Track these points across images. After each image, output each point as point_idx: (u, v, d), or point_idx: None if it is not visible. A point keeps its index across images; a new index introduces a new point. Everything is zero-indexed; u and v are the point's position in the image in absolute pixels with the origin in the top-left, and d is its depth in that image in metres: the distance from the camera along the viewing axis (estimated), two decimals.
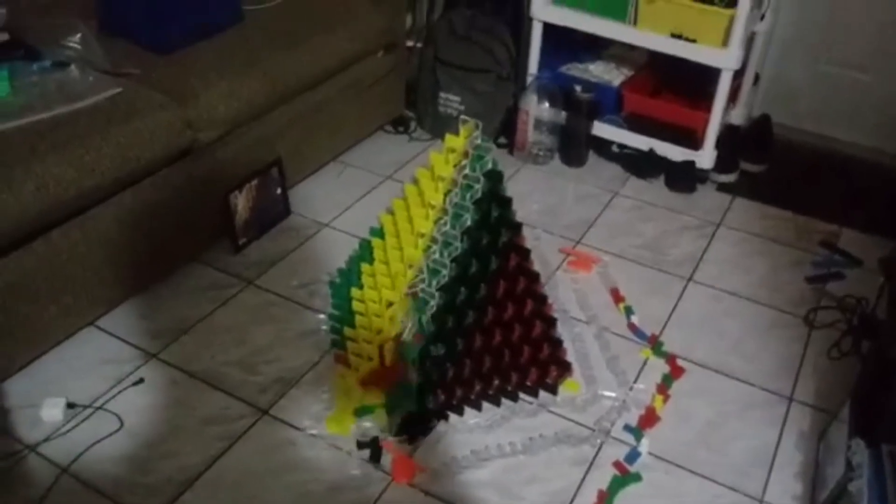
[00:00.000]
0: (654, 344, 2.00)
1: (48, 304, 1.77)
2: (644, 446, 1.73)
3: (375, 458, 1.66)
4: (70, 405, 1.73)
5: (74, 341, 1.89)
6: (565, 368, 1.88)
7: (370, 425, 1.73)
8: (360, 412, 1.75)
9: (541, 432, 1.75)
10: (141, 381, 1.80)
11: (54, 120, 1.78)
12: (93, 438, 1.67)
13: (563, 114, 2.65)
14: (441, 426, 1.75)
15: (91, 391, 1.77)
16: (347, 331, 1.87)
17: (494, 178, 1.74)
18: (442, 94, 2.76)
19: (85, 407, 1.73)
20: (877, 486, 1.44)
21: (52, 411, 1.71)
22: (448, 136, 1.82)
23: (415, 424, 1.71)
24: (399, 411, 1.73)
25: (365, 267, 1.90)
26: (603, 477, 1.67)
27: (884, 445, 1.50)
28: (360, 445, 1.69)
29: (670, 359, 1.96)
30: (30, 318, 1.74)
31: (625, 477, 1.67)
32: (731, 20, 2.30)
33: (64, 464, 1.62)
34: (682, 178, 2.59)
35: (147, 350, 1.89)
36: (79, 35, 2.01)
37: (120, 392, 1.78)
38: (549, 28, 2.62)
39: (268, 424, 1.73)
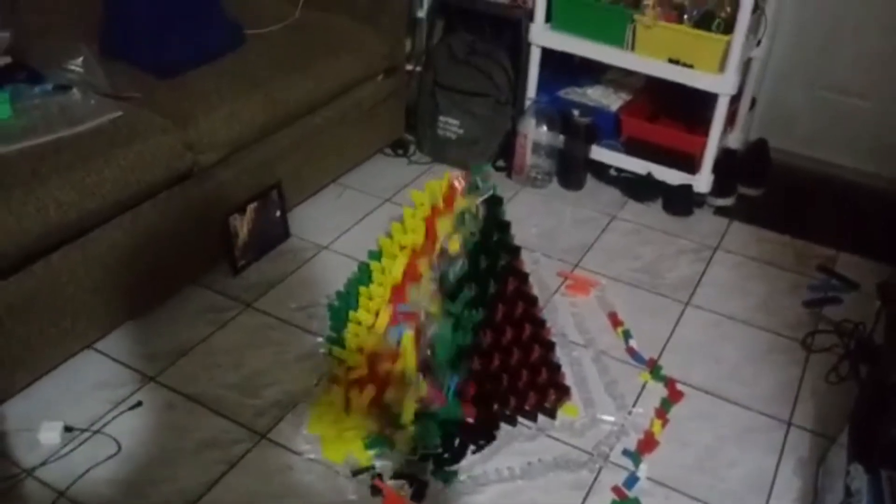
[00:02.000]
0: (653, 368, 2.00)
1: (47, 327, 1.77)
2: (643, 471, 1.73)
3: (375, 492, 1.65)
4: (68, 428, 1.72)
5: (73, 364, 1.88)
6: (564, 392, 1.88)
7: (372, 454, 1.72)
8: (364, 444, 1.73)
9: (539, 457, 1.75)
10: (139, 404, 1.80)
11: (56, 143, 1.79)
12: (90, 462, 1.66)
13: (562, 138, 2.66)
14: None
15: (89, 414, 1.77)
16: (337, 351, 1.86)
17: (494, 203, 1.75)
18: (441, 118, 2.78)
19: (83, 430, 1.73)
20: None
21: (50, 434, 1.70)
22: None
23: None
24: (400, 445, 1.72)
25: (363, 290, 1.91)
26: (602, 502, 1.66)
27: (883, 471, 1.50)
28: (355, 473, 1.68)
29: (669, 383, 1.96)
30: (29, 341, 1.74)
31: (623, 502, 1.66)
32: (728, 46, 2.33)
33: (61, 488, 1.61)
34: (680, 201, 2.60)
35: (145, 373, 1.89)
36: (81, 58, 2.02)
37: (118, 415, 1.77)
38: (547, 53, 2.64)
39: (265, 448, 1.73)
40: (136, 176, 1.83)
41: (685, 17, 2.39)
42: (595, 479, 1.71)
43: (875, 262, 2.41)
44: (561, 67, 2.75)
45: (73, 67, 2.01)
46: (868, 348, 2.01)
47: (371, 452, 1.70)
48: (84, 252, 1.79)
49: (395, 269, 1.87)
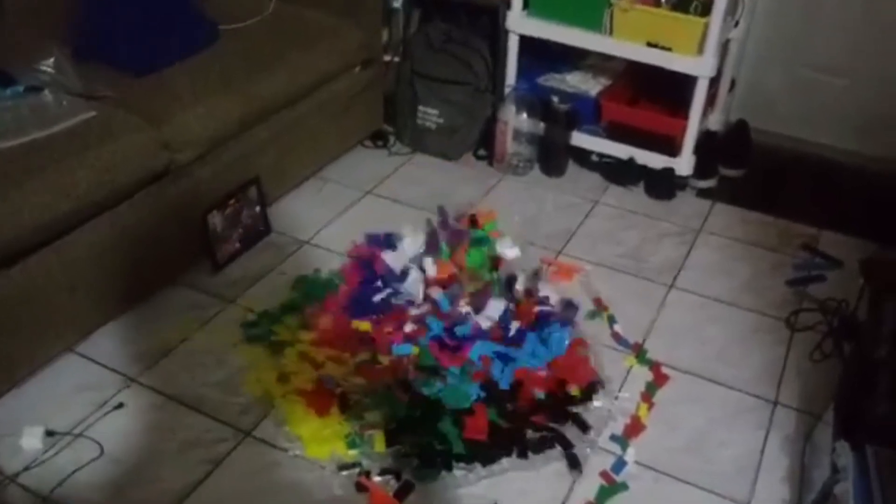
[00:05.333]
0: (638, 352, 2.00)
1: (25, 331, 1.75)
2: (630, 455, 1.73)
3: (360, 488, 1.63)
4: (49, 433, 1.70)
5: (53, 368, 1.86)
6: None
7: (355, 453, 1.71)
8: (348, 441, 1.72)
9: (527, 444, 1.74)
10: (121, 405, 1.78)
11: (28, 145, 1.77)
12: (73, 466, 1.64)
13: (542, 124, 2.65)
14: None
15: (71, 418, 1.75)
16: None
17: None
18: (420, 108, 2.76)
19: (65, 434, 1.71)
20: (862, 488, 1.43)
21: (32, 440, 1.68)
22: None
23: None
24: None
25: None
26: (590, 487, 1.66)
27: (868, 446, 1.50)
28: (341, 468, 1.67)
29: (654, 366, 1.95)
30: (7, 346, 1.72)
31: (612, 487, 1.66)
32: (706, 28, 2.32)
33: (45, 493, 1.59)
34: (662, 185, 2.60)
35: (127, 374, 1.87)
36: (52, 59, 2.00)
37: (100, 418, 1.75)
38: (525, 40, 2.63)
39: (250, 446, 1.71)
40: (110, 176, 1.81)
41: (662, 0, 2.38)
42: (583, 464, 1.71)
43: (858, 239, 2.41)
44: (540, 54, 2.74)
45: (44, 68, 1.99)
46: (851, 325, 2.01)
47: (354, 451, 1.69)
48: (61, 255, 1.77)
49: None
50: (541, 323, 1.99)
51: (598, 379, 1.88)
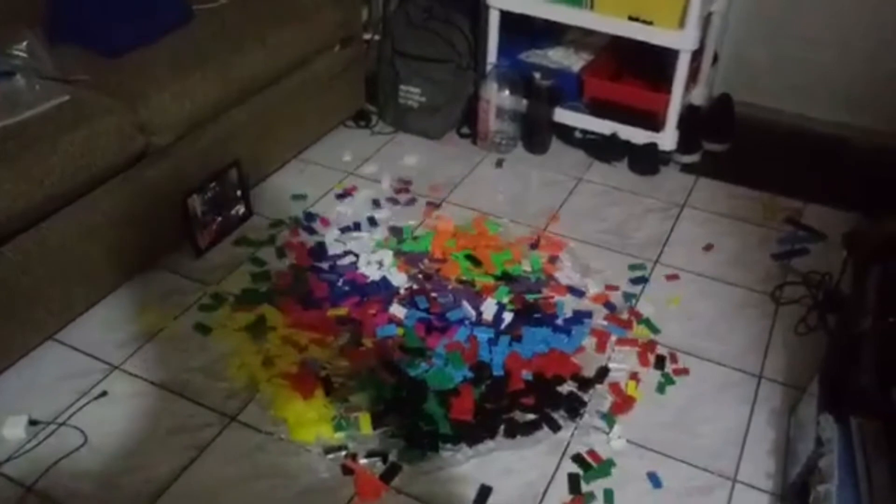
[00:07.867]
0: (632, 328, 1.99)
1: (5, 320, 1.73)
2: (617, 432, 1.73)
3: (347, 471, 1.63)
4: (32, 422, 1.69)
5: (34, 356, 1.84)
6: None
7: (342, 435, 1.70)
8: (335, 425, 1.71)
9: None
10: (104, 393, 1.77)
11: (0, 131, 1.73)
12: (57, 455, 1.63)
13: (524, 101, 2.63)
14: None
15: (54, 407, 1.73)
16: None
17: None
18: (402, 87, 2.73)
19: (48, 423, 1.69)
20: (846, 461, 1.44)
21: (15, 430, 1.67)
22: None
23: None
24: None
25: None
26: (577, 465, 1.66)
27: (852, 419, 1.51)
28: (328, 451, 1.66)
29: (641, 343, 1.95)
30: None
31: (598, 464, 1.66)
32: (687, 1, 2.30)
33: (28, 482, 1.58)
34: (646, 160, 2.59)
35: (109, 361, 1.85)
36: (25, 42, 1.96)
37: (83, 406, 1.74)
38: (506, 15, 2.60)
39: (235, 431, 1.70)
40: (86, 161, 1.79)
41: None
42: (569, 442, 1.71)
43: (841, 211, 2.41)
44: (521, 30, 2.71)
45: (16, 52, 1.95)
46: (835, 298, 2.01)
47: (340, 434, 1.69)
48: (38, 242, 1.75)
49: None
50: (552, 317, 1.98)
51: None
